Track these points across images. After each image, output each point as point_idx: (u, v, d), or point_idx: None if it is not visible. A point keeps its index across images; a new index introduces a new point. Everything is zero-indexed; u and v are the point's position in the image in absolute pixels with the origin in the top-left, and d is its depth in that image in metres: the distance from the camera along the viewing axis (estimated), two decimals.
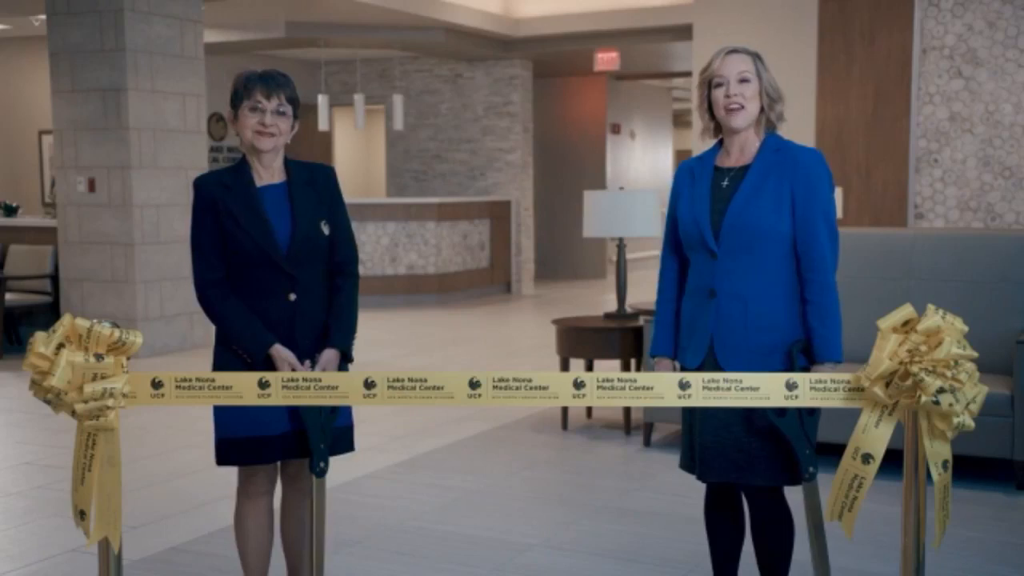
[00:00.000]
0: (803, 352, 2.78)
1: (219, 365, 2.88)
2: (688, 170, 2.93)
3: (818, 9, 7.77)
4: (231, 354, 2.86)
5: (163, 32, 8.31)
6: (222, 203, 2.83)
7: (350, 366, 2.92)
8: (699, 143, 3.11)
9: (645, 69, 15.45)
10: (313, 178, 2.94)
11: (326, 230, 2.91)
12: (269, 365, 2.81)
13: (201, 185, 2.88)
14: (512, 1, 12.32)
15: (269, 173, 2.89)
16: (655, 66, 15.12)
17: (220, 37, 11.58)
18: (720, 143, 2.90)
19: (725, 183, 2.82)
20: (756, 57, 2.81)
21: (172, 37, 8.39)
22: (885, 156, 7.62)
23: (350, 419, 2.97)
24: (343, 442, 2.94)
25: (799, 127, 6.89)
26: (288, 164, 2.93)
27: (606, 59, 13.29)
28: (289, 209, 2.87)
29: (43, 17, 10.24)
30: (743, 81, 2.77)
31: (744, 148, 2.84)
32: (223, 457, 2.89)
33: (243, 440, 2.84)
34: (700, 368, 2.82)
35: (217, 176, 2.90)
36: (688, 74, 13.30)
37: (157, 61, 8.28)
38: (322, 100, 12.27)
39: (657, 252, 3.13)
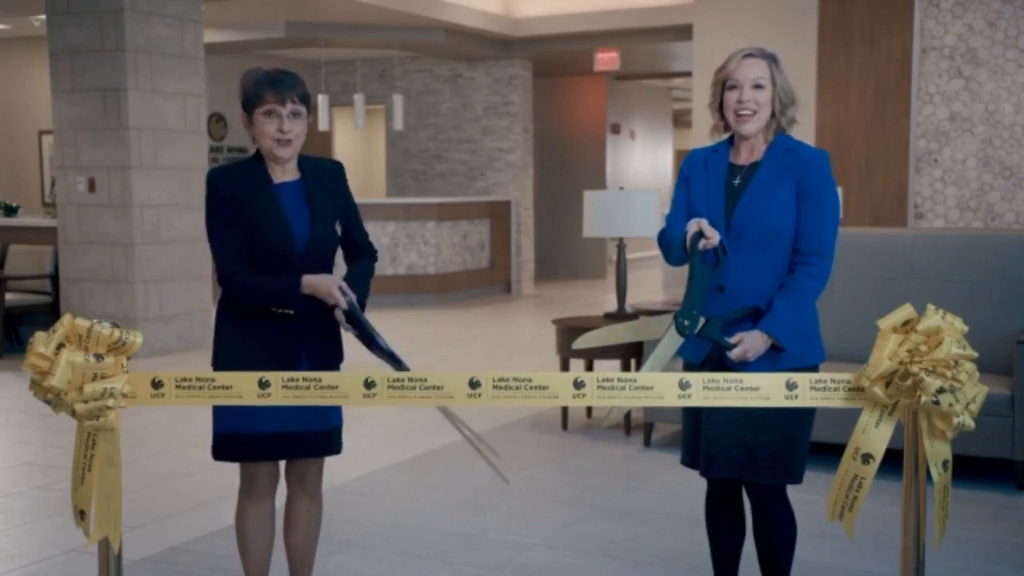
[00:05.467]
0: (752, 317, 2.74)
1: (228, 359, 2.87)
2: (702, 160, 2.91)
3: (818, 9, 7.77)
4: (239, 348, 2.85)
5: (163, 32, 8.31)
6: (239, 199, 2.81)
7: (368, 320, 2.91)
8: (702, 142, 3.11)
9: (645, 69, 15.46)
10: (325, 175, 2.96)
11: (338, 230, 2.94)
12: (309, 303, 2.80)
13: (216, 179, 2.85)
14: (512, 1, 12.32)
15: (284, 171, 2.89)
16: (655, 66, 15.12)
17: (220, 37, 11.57)
18: (732, 139, 2.90)
19: (737, 181, 2.82)
20: (772, 61, 2.80)
21: (172, 37, 8.39)
22: (885, 156, 7.62)
23: (340, 419, 2.97)
24: (332, 443, 2.95)
25: (799, 127, 6.90)
26: (300, 161, 2.94)
27: (606, 59, 13.29)
28: (307, 208, 2.88)
29: (43, 17, 10.25)
30: (757, 87, 2.76)
31: (755, 147, 2.84)
32: (222, 452, 2.89)
33: (244, 436, 2.83)
34: (703, 363, 2.82)
35: (232, 171, 2.88)
36: (688, 74, 13.31)
37: (157, 61, 8.28)
38: (322, 100, 12.28)
39: (657, 252, 3.09)
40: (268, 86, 2.79)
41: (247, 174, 2.86)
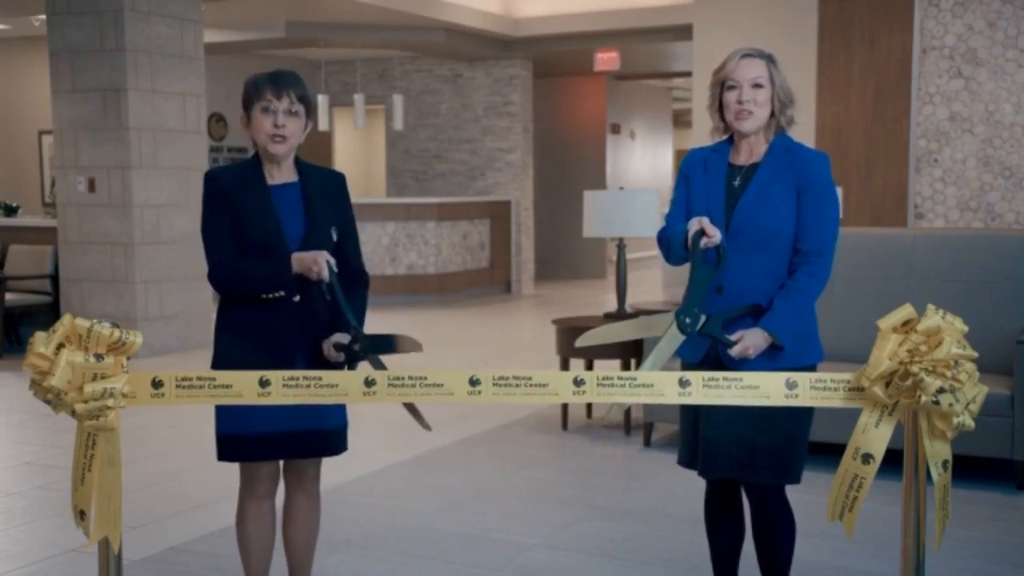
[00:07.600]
0: (752, 315, 2.75)
1: (226, 358, 2.87)
2: (702, 160, 2.91)
3: (818, 9, 7.77)
4: (235, 346, 2.85)
5: (163, 32, 8.31)
6: (233, 195, 2.83)
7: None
8: (702, 142, 3.11)
9: (645, 69, 15.46)
10: (327, 183, 2.96)
11: (335, 236, 2.93)
12: (301, 284, 2.80)
13: (215, 177, 2.88)
14: (512, 1, 12.32)
15: (280, 172, 2.90)
16: (655, 66, 15.12)
17: (220, 37, 11.57)
18: (731, 139, 2.90)
19: (737, 181, 2.83)
20: (770, 60, 2.81)
21: (172, 37, 8.39)
22: (885, 156, 7.62)
23: (344, 419, 2.97)
24: (337, 442, 2.95)
25: (799, 127, 6.91)
26: (300, 164, 2.94)
27: (606, 59, 13.29)
28: (303, 209, 2.88)
29: (43, 17, 10.25)
30: (756, 87, 2.77)
31: (754, 147, 2.85)
32: (224, 453, 2.89)
33: (245, 436, 2.84)
34: (702, 363, 2.82)
35: (229, 170, 2.91)
36: (688, 74, 13.30)
37: (157, 61, 8.28)
38: (322, 100, 12.26)
39: (657, 252, 3.08)
40: (267, 82, 2.82)
41: (244, 173, 2.88)
